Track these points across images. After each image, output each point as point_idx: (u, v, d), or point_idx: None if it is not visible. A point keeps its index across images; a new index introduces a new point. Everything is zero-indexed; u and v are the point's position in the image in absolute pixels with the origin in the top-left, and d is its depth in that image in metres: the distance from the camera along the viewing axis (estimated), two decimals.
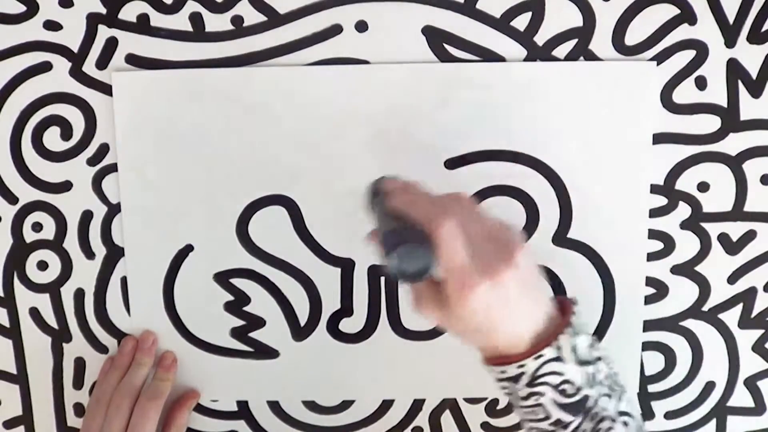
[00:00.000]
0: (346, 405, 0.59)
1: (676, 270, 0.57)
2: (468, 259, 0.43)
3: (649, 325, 0.58)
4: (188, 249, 0.57)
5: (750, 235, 0.57)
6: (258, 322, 0.58)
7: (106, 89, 0.55)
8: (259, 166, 0.56)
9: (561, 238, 0.57)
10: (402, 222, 0.44)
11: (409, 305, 0.46)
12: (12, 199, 0.57)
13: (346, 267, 0.57)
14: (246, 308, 0.58)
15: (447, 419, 0.60)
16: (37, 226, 0.57)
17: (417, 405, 0.59)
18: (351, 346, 0.58)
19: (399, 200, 0.46)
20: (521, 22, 0.54)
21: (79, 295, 0.58)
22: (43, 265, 0.57)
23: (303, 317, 0.58)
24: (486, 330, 0.44)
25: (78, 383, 0.59)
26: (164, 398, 0.56)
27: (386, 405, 0.59)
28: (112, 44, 0.54)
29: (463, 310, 0.43)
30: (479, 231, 0.44)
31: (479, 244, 0.43)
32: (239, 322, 0.58)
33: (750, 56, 0.54)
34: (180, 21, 0.54)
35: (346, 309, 0.58)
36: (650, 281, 0.57)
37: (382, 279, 0.57)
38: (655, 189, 0.56)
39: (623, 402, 0.46)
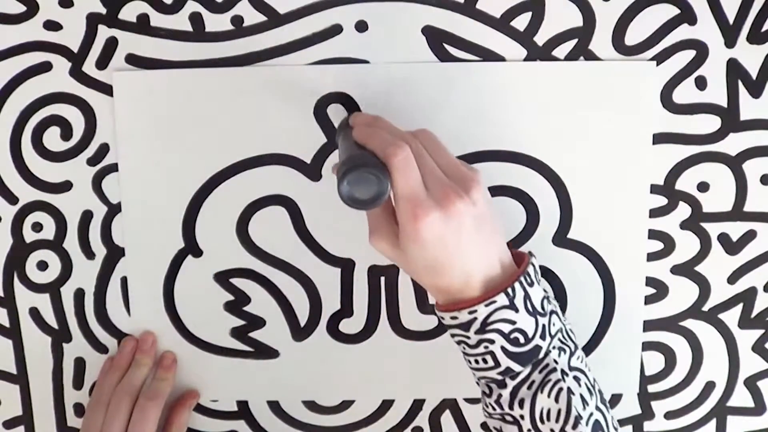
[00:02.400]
0: (346, 405, 0.59)
1: (676, 270, 0.57)
2: (422, 189, 0.43)
3: (649, 325, 0.58)
4: (188, 249, 0.57)
5: (750, 235, 0.57)
6: (258, 322, 0.58)
7: (106, 89, 0.55)
8: (259, 166, 0.56)
9: (561, 238, 0.57)
10: (358, 150, 0.44)
11: (367, 238, 0.46)
12: (12, 199, 0.57)
13: (346, 267, 0.57)
14: (246, 308, 0.58)
15: (447, 419, 0.60)
16: (37, 226, 0.57)
17: (417, 405, 0.59)
18: (351, 346, 0.58)
19: (359, 131, 0.46)
20: (521, 22, 0.54)
21: (79, 295, 0.58)
22: (43, 265, 0.57)
23: (303, 317, 0.58)
24: (437, 266, 0.44)
25: (78, 383, 0.59)
26: (164, 398, 0.56)
27: (386, 405, 0.59)
28: (112, 44, 0.54)
29: (414, 242, 0.43)
30: (438, 164, 0.44)
31: (436, 177, 0.43)
32: (239, 322, 0.58)
33: (750, 56, 0.54)
34: (180, 21, 0.54)
35: (346, 309, 0.58)
36: (650, 281, 0.57)
37: (382, 279, 0.57)
38: (655, 189, 0.56)
39: (575, 358, 0.46)
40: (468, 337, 0.45)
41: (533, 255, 0.47)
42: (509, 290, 0.44)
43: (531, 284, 0.45)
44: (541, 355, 0.45)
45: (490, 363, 0.45)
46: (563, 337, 0.46)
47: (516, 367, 0.45)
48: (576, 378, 0.46)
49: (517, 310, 0.44)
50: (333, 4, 0.54)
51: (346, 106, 0.55)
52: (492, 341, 0.44)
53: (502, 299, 0.44)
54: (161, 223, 0.56)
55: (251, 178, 0.56)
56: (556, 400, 0.45)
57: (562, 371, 0.45)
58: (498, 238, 0.46)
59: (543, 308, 0.45)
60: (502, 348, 0.44)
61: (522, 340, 0.44)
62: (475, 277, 0.44)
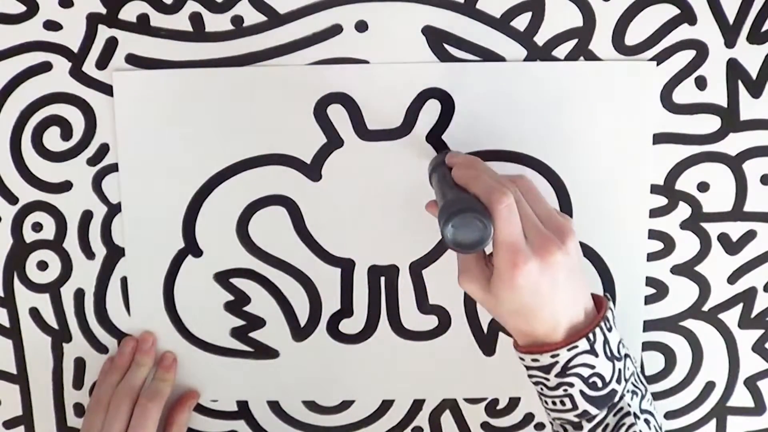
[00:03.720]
0: (346, 405, 0.59)
1: (676, 270, 0.57)
2: (522, 237, 0.43)
3: (649, 325, 0.58)
4: (188, 249, 0.57)
5: (750, 235, 0.57)
6: (258, 322, 0.58)
7: (106, 89, 0.55)
8: (259, 166, 0.56)
9: None
10: (462, 193, 0.45)
11: (455, 278, 0.47)
12: (12, 199, 0.57)
13: (346, 267, 0.57)
14: (246, 308, 0.58)
15: (447, 419, 0.59)
16: (37, 226, 0.57)
17: (417, 405, 0.59)
18: (351, 347, 0.58)
19: (461, 173, 0.46)
20: (521, 22, 0.54)
21: (79, 295, 0.58)
22: (43, 265, 0.57)
23: (303, 317, 0.58)
24: (528, 312, 0.44)
25: (78, 383, 0.59)
26: (164, 398, 0.56)
27: (386, 405, 0.59)
28: (112, 44, 0.54)
29: (509, 288, 0.43)
30: (536, 213, 0.45)
31: (535, 226, 0.44)
32: (239, 322, 0.58)
33: (750, 56, 0.54)
34: (180, 21, 0.54)
35: (346, 309, 0.58)
36: (650, 281, 0.57)
37: (382, 279, 0.57)
38: (655, 189, 0.56)
39: (645, 401, 0.47)
40: (548, 380, 0.46)
41: (609, 299, 0.48)
42: (590, 335, 0.45)
43: (609, 329, 0.46)
44: (617, 398, 0.46)
45: (568, 405, 0.46)
46: (635, 380, 0.47)
47: (593, 411, 0.46)
48: (646, 420, 0.47)
49: (597, 355, 0.45)
50: (333, 4, 0.54)
51: (346, 106, 0.55)
52: (571, 384, 0.45)
53: (583, 344, 0.45)
54: (161, 223, 0.56)
55: (251, 178, 0.56)
56: None
57: (635, 414, 0.46)
58: (586, 287, 0.47)
59: (619, 352, 0.46)
60: (581, 392, 0.45)
61: (600, 384, 0.45)
62: (562, 325, 0.45)
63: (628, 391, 0.46)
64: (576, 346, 0.45)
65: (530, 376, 0.47)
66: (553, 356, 0.45)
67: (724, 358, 0.59)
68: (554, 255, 0.43)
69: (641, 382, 0.48)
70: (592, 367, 0.45)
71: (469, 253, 0.44)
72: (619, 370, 0.46)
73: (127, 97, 0.55)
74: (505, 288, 0.44)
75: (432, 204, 0.51)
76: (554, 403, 0.47)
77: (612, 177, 0.56)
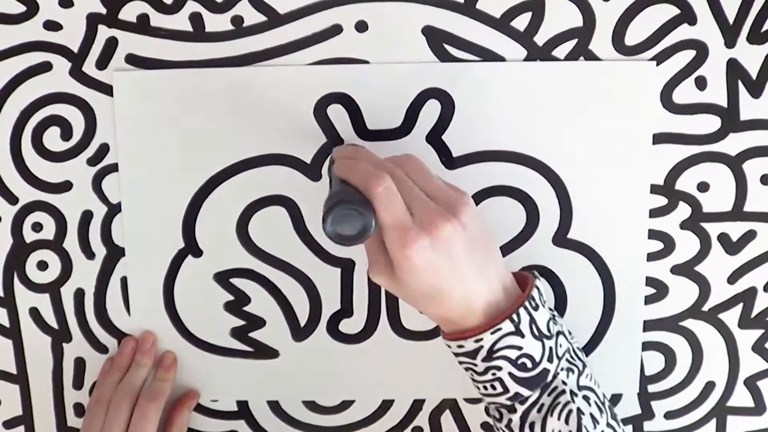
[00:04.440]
0: (346, 405, 0.59)
1: (676, 270, 0.57)
2: (407, 216, 0.42)
3: (649, 325, 0.58)
4: (188, 249, 0.57)
5: (750, 235, 0.57)
6: (258, 322, 0.58)
7: (106, 89, 0.55)
8: (259, 166, 0.56)
9: (561, 238, 0.57)
10: (343, 186, 0.44)
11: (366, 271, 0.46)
12: (12, 199, 0.57)
13: (346, 267, 0.57)
14: (246, 308, 0.58)
15: (447, 419, 0.59)
16: (37, 226, 0.57)
17: (417, 405, 0.59)
18: (351, 346, 0.58)
19: (340, 165, 0.45)
20: (521, 22, 0.54)
21: (79, 295, 0.58)
22: (43, 265, 0.57)
23: (303, 317, 0.58)
24: (436, 294, 0.43)
25: (78, 383, 0.59)
26: (164, 399, 0.56)
27: (386, 405, 0.59)
28: (112, 44, 0.54)
29: (407, 271, 0.42)
30: (424, 190, 0.44)
31: (422, 203, 0.43)
32: (239, 322, 0.58)
33: (750, 56, 0.54)
34: (180, 21, 0.54)
35: (346, 309, 0.58)
36: (650, 281, 0.57)
37: None
38: (655, 189, 0.56)
39: (584, 377, 0.46)
40: (475, 365, 0.45)
41: (537, 276, 0.47)
42: (514, 316, 0.44)
43: (536, 308, 0.45)
44: (549, 378, 0.45)
45: (499, 389, 0.45)
46: (571, 356, 0.46)
47: (525, 392, 0.45)
48: (585, 397, 0.46)
49: (523, 336, 0.44)
50: (333, 4, 0.54)
51: (346, 106, 0.55)
52: (499, 368, 0.44)
53: (507, 326, 0.44)
54: (161, 223, 0.56)
55: (251, 178, 0.56)
56: (566, 421, 0.45)
57: (571, 392, 0.45)
58: (496, 261, 0.45)
59: (549, 330, 0.45)
60: (510, 374, 0.44)
61: (529, 364, 0.44)
62: (476, 303, 0.44)
63: (562, 369, 0.45)
64: (500, 329, 0.43)
65: (460, 363, 0.46)
66: (477, 341, 0.44)
67: (724, 358, 0.59)
68: (443, 228, 0.42)
69: (578, 358, 0.47)
70: (519, 348, 0.44)
71: (357, 244, 0.43)
72: (550, 348, 0.45)
73: (127, 97, 0.55)
74: (404, 271, 0.42)
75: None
76: (485, 388, 0.46)
77: (612, 177, 0.56)
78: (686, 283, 0.57)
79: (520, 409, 0.45)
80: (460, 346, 0.45)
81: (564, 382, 0.45)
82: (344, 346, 0.58)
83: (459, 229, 0.42)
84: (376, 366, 0.59)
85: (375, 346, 0.58)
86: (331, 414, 0.60)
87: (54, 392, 0.59)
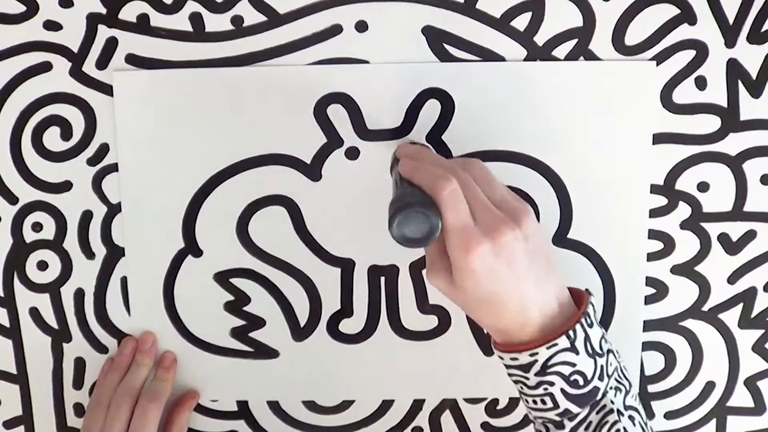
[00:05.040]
0: (346, 405, 0.59)
1: (676, 270, 0.57)
2: (471, 221, 0.42)
3: (649, 325, 0.58)
4: (188, 249, 0.57)
5: (750, 235, 0.57)
6: (258, 322, 0.58)
7: (106, 89, 0.55)
8: (259, 166, 0.56)
9: (561, 238, 0.57)
10: (407, 188, 0.44)
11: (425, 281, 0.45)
12: (12, 199, 0.57)
13: (346, 267, 0.57)
14: (246, 308, 0.58)
15: (447, 419, 0.59)
16: (37, 226, 0.57)
17: (417, 405, 0.59)
18: (351, 346, 0.58)
19: (405, 165, 0.45)
20: (521, 22, 0.54)
21: (79, 295, 0.58)
22: (43, 265, 0.57)
23: (303, 317, 0.58)
24: (495, 301, 0.43)
25: (78, 383, 0.59)
26: (164, 399, 0.56)
27: (386, 405, 0.59)
28: (112, 44, 0.54)
29: (468, 275, 0.42)
30: (488, 196, 0.44)
31: (486, 208, 0.43)
32: (239, 322, 0.58)
33: (750, 56, 0.54)
34: (180, 21, 0.54)
35: (345, 309, 0.58)
36: (650, 281, 0.57)
37: (382, 279, 0.57)
38: (655, 189, 0.56)
39: (630, 397, 0.46)
40: (527, 378, 0.45)
41: (591, 293, 0.47)
42: (570, 332, 0.44)
43: (591, 325, 0.45)
44: (599, 396, 0.45)
45: (549, 404, 0.45)
46: (619, 376, 0.46)
47: (575, 409, 0.45)
48: (631, 417, 0.46)
49: (577, 353, 0.44)
50: (333, 4, 0.54)
51: (346, 106, 0.55)
52: (552, 383, 0.44)
53: (563, 342, 0.44)
54: (161, 223, 0.56)
55: (251, 178, 0.56)
56: None
57: (618, 411, 0.45)
58: (554, 275, 0.45)
59: (601, 348, 0.45)
60: (562, 390, 0.44)
61: (581, 382, 0.44)
62: (533, 314, 0.44)
63: (611, 388, 0.45)
64: (555, 344, 0.43)
65: (510, 375, 0.46)
66: (532, 354, 0.44)
67: (724, 358, 0.59)
68: (506, 235, 0.42)
69: (625, 377, 0.47)
70: (573, 364, 0.44)
71: (423, 246, 0.43)
72: (602, 366, 0.45)
73: (127, 97, 0.55)
74: (463, 276, 0.42)
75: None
76: (535, 402, 0.46)
77: (612, 177, 0.56)
78: (686, 283, 0.57)
79: (569, 425, 0.45)
80: (514, 359, 0.45)
81: (612, 401, 0.45)
82: (344, 346, 0.58)
83: (521, 237, 0.42)
84: (376, 366, 0.59)
85: (375, 346, 0.58)
86: (331, 414, 0.60)
87: (54, 392, 0.59)
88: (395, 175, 0.47)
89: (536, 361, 0.44)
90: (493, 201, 0.44)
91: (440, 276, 0.44)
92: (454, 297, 0.45)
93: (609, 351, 0.46)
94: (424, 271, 0.45)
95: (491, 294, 0.43)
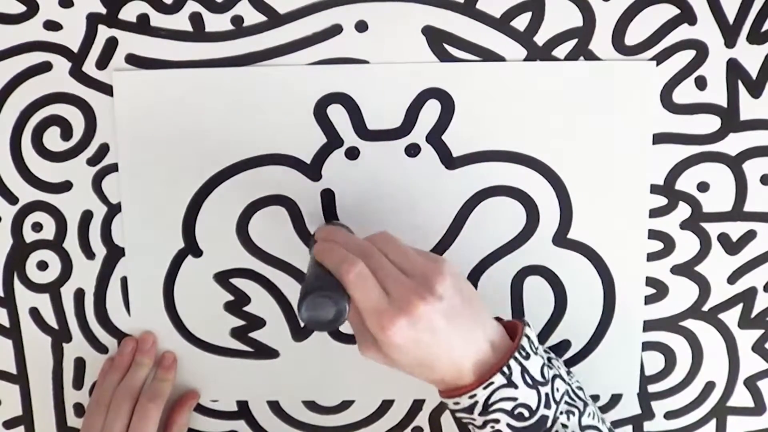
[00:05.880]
0: (346, 405, 0.59)
1: (676, 270, 0.57)
2: (382, 298, 0.43)
3: (649, 325, 0.58)
4: (188, 249, 0.57)
5: (750, 235, 0.57)
6: (258, 322, 0.58)
7: (106, 89, 0.55)
8: (259, 166, 0.56)
9: (561, 238, 0.57)
10: (319, 270, 0.45)
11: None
12: (12, 199, 0.57)
13: None
14: (246, 308, 0.58)
15: (447, 419, 0.59)
16: (37, 226, 0.57)
17: (417, 405, 0.59)
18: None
19: (318, 249, 0.46)
20: (521, 22, 0.54)
21: (79, 295, 0.58)
22: (43, 265, 0.57)
23: None
24: (425, 363, 0.44)
25: (78, 383, 0.59)
26: (165, 399, 0.56)
27: (386, 405, 0.59)
28: (112, 44, 0.54)
29: (392, 348, 0.43)
30: (398, 266, 0.44)
31: (396, 281, 0.43)
32: (239, 322, 0.58)
33: (750, 56, 0.54)
34: (180, 21, 0.54)
35: None
36: (650, 281, 0.57)
37: None
38: (655, 189, 0.56)
39: (586, 416, 0.46)
40: (474, 419, 0.45)
41: (527, 323, 0.47)
42: (505, 369, 0.44)
43: (527, 357, 0.45)
44: (549, 423, 0.45)
45: None
46: (570, 398, 0.46)
47: None
48: None
49: (516, 387, 0.44)
50: (333, 4, 0.54)
51: (346, 106, 0.55)
52: (497, 420, 0.45)
53: (499, 379, 0.44)
54: (161, 223, 0.56)
55: (251, 178, 0.56)
56: None
57: None
58: (480, 320, 0.45)
59: (544, 376, 0.45)
60: (508, 425, 0.45)
61: (527, 413, 0.45)
62: (465, 365, 0.44)
63: (561, 413, 0.45)
64: (492, 383, 0.44)
65: (460, 419, 0.47)
66: (470, 397, 0.44)
67: (724, 358, 0.59)
68: (418, 307, 0.42)
69: (578, 398, 0.47)
70: (515, 399, 0.44)
71: (334, 328, 0.44)
72: (546, 394, 0.45)
73: (127, 97, 0.55)
74: (389, 349, 0.43)
75: None
76: None
77: (612, 177, 0.56)
78: (686, 283, 0.57)
79: None
80: (456, 403, 0.45)
81: (564, 425, 0.45)
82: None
83: (435, 302, 0.43)
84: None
85: None
86: (331, 414, 0.60)
87: (54, 392, 0.59)
88: (311, 258, 0.48)
89: (477, 402, 0.44)
90: (404, 269, 0.44)
91: (371, 348, 0.45)
92: (388, 364, 0.45)
93: (555, 377, 0.46)
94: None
95: (420, 359, 0.44)
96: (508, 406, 0.44)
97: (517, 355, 0.45)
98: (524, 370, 0.45)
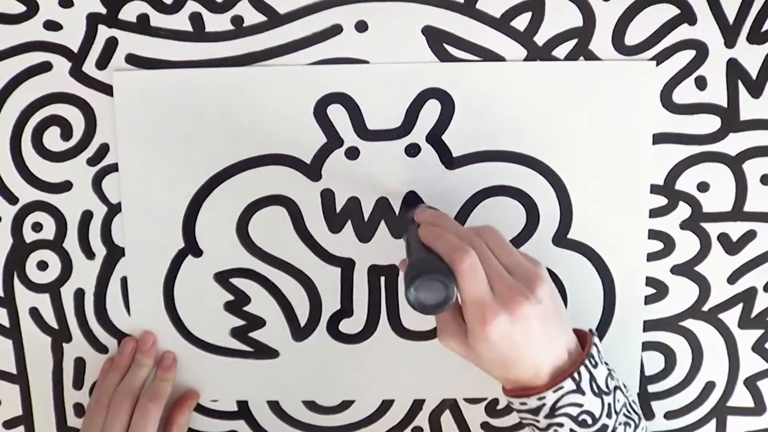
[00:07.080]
0: (346, 405, 0.59)
1: (676, 270, 0.57)
2: (488, 292, 0.44)
3: (649, 325, 0.58)
4: (188, 249, 0.57)
5: (750, 235, 0.57)
6: (258, 322, 0.58)
7: (106, 89, 0.55)
8: (259, 166, 0.56)
9: (561, 238, 0.57)
10: (427, 253, 0.45)
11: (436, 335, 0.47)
12: (12, 199, 0.57)
13: (346, 267, 0.57)
14: (246, 308, 0.58)
15: (447, 419, 0.59)
16: (37, 226, 0.57)
17: (417, 405, 0.59)
18: (351, 346, 0.58)
19: (425, 232, 0.47)
20: (521, 22, 0.54)
21: (79, 295, 0.58)
22: (43, 265, 0.57)
23: (303, 317, 0.58)
24: (507, 363, 0.45)
25: (78, 383, 0.59)
26: (165, 399, 0.56)
27: (386, 405, 0.59)
28: (112, 44, 0.54)
29: (483, 343, 0.44)
30: (502, 263, 0.45)
31: (502, 278, 0.44)
32: (239, 322, 0.58)
33: (750, 56, 0.54)
34: (180, 21, 0.54)
35: (346, 309, 0.58)
36: (650, 281, 0.57)
37: (382, 279, 0.57)
38: (655, 189, 0.56)
39: (639, 430, 0.47)
40: (538, 421, 0.46)
41: (594, 333, 0.48)
42: (576, 375, 0.45)
43: (595, 365, 0.46)
44: None
45: None
46: (628, 411, 0.47)
47: None
48: None
49: (584, 393, 0.45)
50: (333, 4, 0.54)
51: (346, 106, 0.55)
52: (561, 425, 0.45)
53: (569, 384, 0.45)
54: (161, 223, 0.56)
55: (251, 178, 0.56)
56: None
57: None
58: (564, 328, 0.47)
59: (607, 386, 0.47)
60: (571, 430, 0.46)
61: (590, 421, 0.45)
62: (544, 369, 0.45)
63: (620, 424, 0.46)
64: (561, 387, 0.45)
65: (521, 419, 0.48)
66: (539, 398, 0.45)
67: (724, 358, 0.59)
68: (522, 306, 0.43)
69: (634, 411, 0.48)
70: (580, 405, 0.45)
71: (437, 314, 0.44)
72: (609, 404, 0.46)
73: (127, 97, 0.55)
74: (479, 343, 0.44)
75: (403, 262, 0.51)
76: None
77: (612, 177, 0.56)
78: (686, 283, 0.57)
79: None
80: (523, 404, 0.46)
81: None
82: (344, 346, 0.58)
83: (536, 304, 0.44)
84: (376, 366, 0.59)
85: (375, 346, 0.58)
86: (331, 414, 0.59)
87: (54, 392, 0.59)
88: (410, 239, 0.48)
89: (544, 404, 0.45)
90: (507, 267, 0.45)
91: (454, 339, 0.46)
92: (467, 356, 0.46)
93: (616, 388, 0.47)
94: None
95: (505, 356, 0.44)
96: (573, 411, 0.45)
97: (587, 362, 0.46)
98: (592, 378, 0.46)
